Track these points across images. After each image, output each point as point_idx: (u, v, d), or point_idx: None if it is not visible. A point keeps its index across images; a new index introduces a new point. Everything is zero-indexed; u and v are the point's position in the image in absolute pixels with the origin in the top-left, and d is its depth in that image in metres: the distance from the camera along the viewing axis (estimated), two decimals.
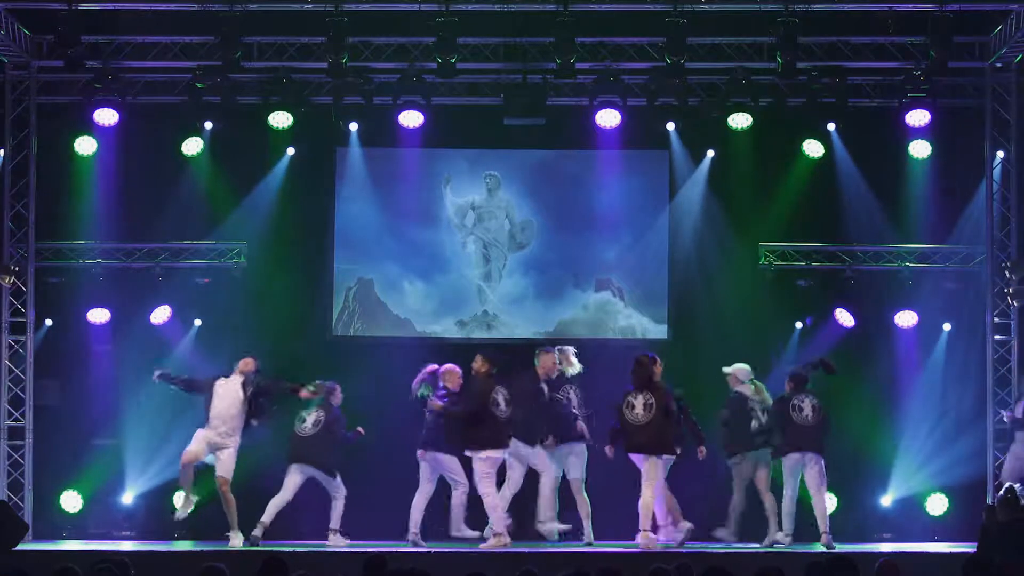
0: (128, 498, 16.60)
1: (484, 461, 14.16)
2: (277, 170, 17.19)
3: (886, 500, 16.51)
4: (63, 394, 16.98)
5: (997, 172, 16.39)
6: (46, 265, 16.84)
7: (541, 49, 16.07)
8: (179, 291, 17.08)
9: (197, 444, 14.37)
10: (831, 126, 16.78)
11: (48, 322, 16.89)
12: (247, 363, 14.62)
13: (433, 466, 14.60)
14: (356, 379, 15.60)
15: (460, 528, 14.64)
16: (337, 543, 14.65)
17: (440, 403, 14.33)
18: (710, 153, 17.21)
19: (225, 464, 14.44)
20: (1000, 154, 16.33)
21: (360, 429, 14.95)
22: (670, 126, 16.95)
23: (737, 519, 14.93)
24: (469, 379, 14.33)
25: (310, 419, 14.73)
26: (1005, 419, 15.42)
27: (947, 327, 16.95)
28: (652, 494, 13.91)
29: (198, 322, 17.07)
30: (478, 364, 14.33)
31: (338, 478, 14.84)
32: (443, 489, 14.99)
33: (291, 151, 17.16)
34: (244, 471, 16.27)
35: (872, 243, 17.08)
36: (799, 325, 17.03)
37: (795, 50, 15.37)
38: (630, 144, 17.02)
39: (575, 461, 14.68)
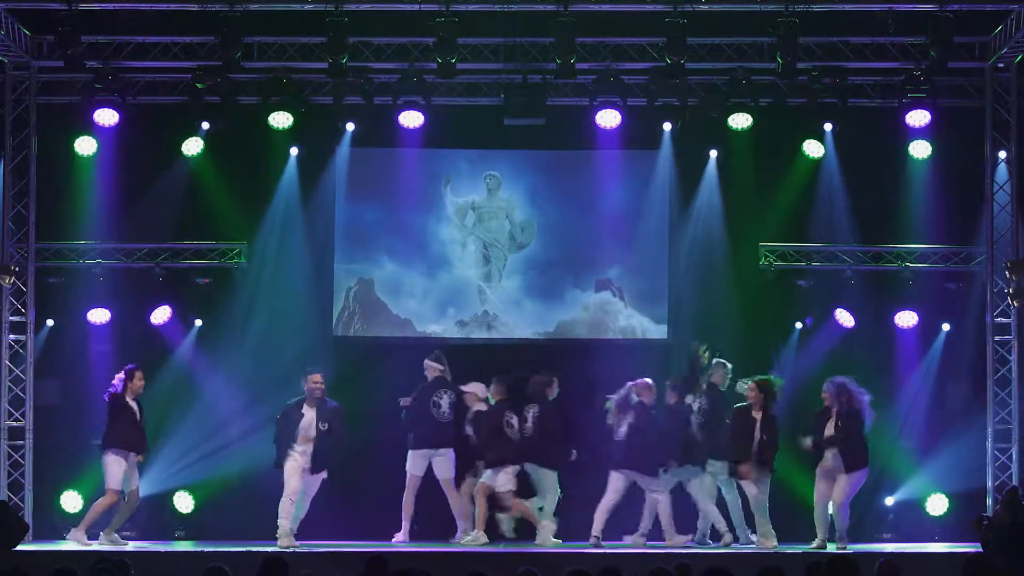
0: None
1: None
2: (278, 170, 17.18)
3: (886, 500, 16.48)
4: (63, 394, 16.97)
5: (998, 172, 16.38)
6: (46, 265, 16.83)
7: (541, 49, 16.06)
8: (179, 291, 17.07)
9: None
10: (827, 126, 16.75)
11: (49, 322, 16.88)
12: None
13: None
14: (356, 379, 15.60)
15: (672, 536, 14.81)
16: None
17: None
18: (713, 153, 17.19)
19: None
20: (1001, 154, 16.32)
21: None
22: (666, 126, 16.91)
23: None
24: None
25: (529, 416, 14.92)
26: None
27: (946, 327, 16.94)
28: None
29: (199, 322, 17.06)
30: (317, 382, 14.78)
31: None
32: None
33: (295, 151, 17.16)
34: (248, 473, 16.31)
35: (872, 243, 17.08)
36: (799, 325, 17.02)
37: (795, 50, 15.35)
38: (630, 144, 17.00)
39: (441, 463, 15.19)
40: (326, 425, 14.61)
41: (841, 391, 14.42)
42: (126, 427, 14.65)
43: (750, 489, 14.50)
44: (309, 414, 14.60)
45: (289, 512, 14.47)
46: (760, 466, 14.40)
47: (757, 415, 14.47)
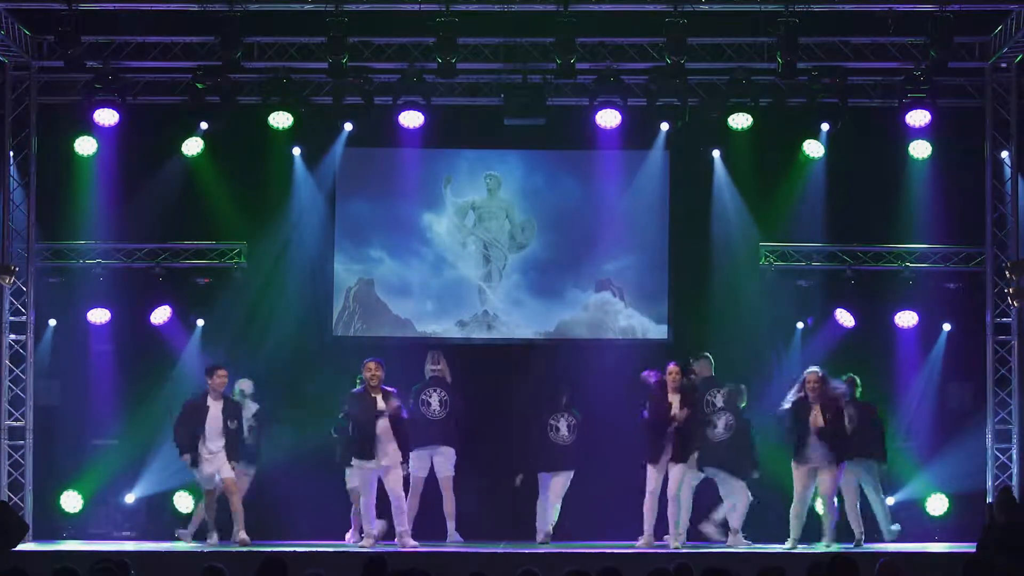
0: (129, 498, 16.60)
1: None
2: (278, 170, 17.17)
3: (887, 500, 16.45)
4: (63, 394, 16.97)
5: (998, 172, 16.37)
6: (46, 265, 16.84)
7: (541, 49, 16.04)
8: (179, 291, 17.06)
9: None
10: (824, 126, 16.72)
11: (52, 322, 16.89)
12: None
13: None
14: (356, 380, 15.59)
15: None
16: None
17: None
18: (716, 153, 17.17)
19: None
20: (1005, 154, 16.30)
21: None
22: (663, 126, 16.90)
23: None
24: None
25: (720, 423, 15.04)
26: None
27: (947, 327, 16.94)
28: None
29: (201, 322, 17.05)
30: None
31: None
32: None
33: (297, 151, 17.15)
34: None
35: (872, 243, 17.07)
36: (800, 325, 17.01)
37: (795, 50, 15.34)
38: (630, 144, 17.00)
39: (441, 461, 15.42)
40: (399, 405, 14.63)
41: (822, 382, 14.49)
42: (187, 430, 14.84)
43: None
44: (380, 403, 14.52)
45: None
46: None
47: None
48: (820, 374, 14.56)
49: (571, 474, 15.52)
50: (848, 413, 14.86)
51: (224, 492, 14.87)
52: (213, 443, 14.86)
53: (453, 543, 15.25)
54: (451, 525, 15.45)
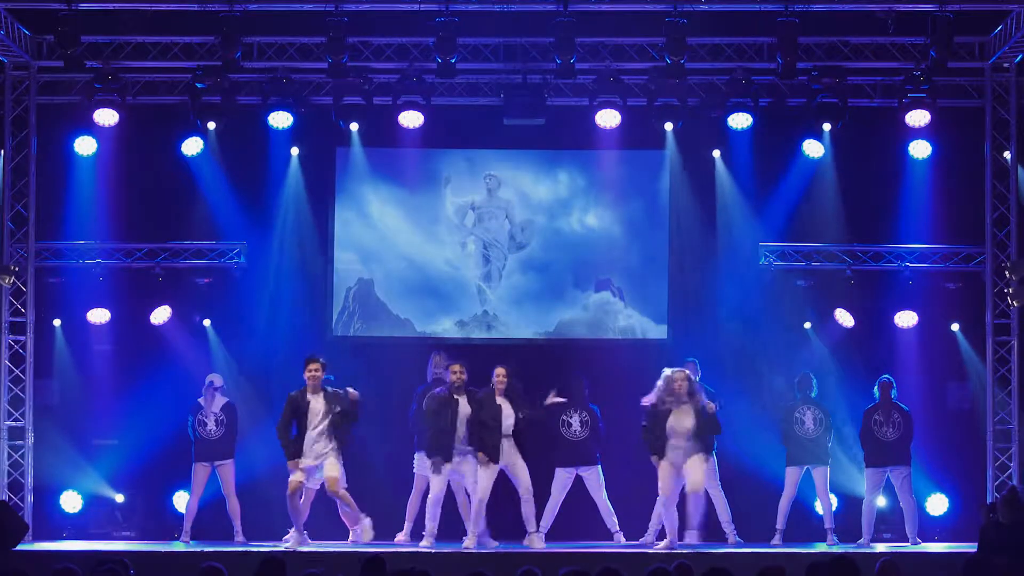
0: (119, 497, 16.59)
1: None
2: (277, 170, 17.18)
3: (885, 501, 16.45)
4: (63, 394, 16.97)
5: (997, 172, 16.37)
6: (46, 265, 16.84)
7: (541, 49, 16.06)
8: (179, 291, 17.07)
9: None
10: (825, 126, 16.71)
11: (57, 322, 16.90)
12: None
13: None
14: (356, 379, 15.60)
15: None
16: None
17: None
18: (716, 153, 17.17)
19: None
20: (1007, 155, 16.30)
21: None
22: (668, 126, 16.90)
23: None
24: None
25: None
26: None
27: (955, 327, 16.92)
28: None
29: (207, 322, 17.04)
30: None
31: None
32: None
33: (295, 151, 17.15)
34: (247, 474, 16.29)
35: (872, 243, 17.08)
36: (808, 325, 17.00)
37: (795, 50, 15.36)
38: (630, 144, 17.01)
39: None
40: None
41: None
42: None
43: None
44: (463, 404, 14.50)
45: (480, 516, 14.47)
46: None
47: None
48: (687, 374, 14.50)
49: (595, 469, 15.34)
50: (894, 418, 15.17)
51: (333, 491, 14.37)
52: (320, 441, 14.32)
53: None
54: (469, 528, 15.36)
